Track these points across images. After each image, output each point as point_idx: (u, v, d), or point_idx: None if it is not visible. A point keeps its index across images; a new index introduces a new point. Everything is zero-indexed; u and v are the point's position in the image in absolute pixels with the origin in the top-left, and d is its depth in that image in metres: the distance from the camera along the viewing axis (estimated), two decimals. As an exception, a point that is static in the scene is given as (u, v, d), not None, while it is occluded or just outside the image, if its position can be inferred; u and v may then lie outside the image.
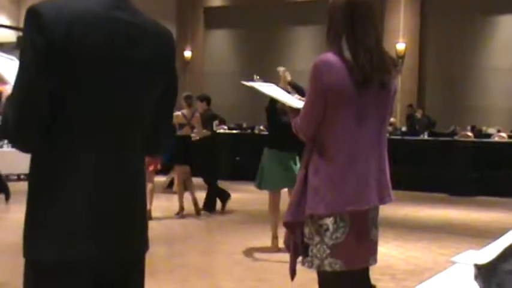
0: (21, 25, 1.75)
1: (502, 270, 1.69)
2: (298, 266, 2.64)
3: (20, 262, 1.66)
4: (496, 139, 13.30)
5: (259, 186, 6.31)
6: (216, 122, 9.00)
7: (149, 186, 7.63)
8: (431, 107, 17.63)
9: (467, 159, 11.69)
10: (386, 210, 6.22)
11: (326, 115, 2.45)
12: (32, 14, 1.55)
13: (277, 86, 3.12)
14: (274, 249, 6.16)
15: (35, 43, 1.53)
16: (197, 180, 8.98)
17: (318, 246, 2.49)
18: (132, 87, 1.67)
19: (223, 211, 8.94)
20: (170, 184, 10.75)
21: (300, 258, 2.61)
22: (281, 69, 6.00)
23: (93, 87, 1.60)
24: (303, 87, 4.99)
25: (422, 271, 5.51)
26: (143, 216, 1.77)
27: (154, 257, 5.83)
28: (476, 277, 1.84)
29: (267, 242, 6.37)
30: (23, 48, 1.56)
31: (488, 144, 12.68)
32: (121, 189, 1.67)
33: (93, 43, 1.58)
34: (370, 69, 2.44)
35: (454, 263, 2.33)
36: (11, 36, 18.30)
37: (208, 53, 21.62)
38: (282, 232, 6.01)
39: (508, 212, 9.57)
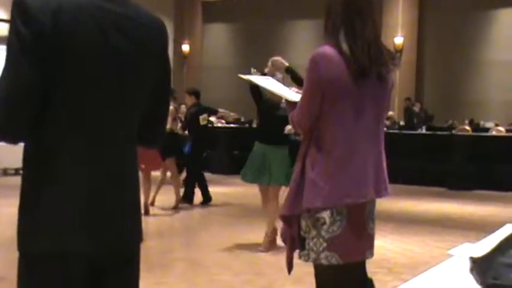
0: None
1: (498, 263, 1.70)
2: (295, 260, 2.64)
3: (16, 256, 1.66)
4: (494, 133, 13.32)
5: (241, 176, 6.28)
6: (203, 116, 8.88)
7: (146, 183, 7.69)
8: (429, 101, 17.65)
9: (464, 153, 11.70)
10: (384, 204, 6.23)
11: (323, 108, 2.45)
12: (18, 6, 1.53)
13: (269, 74, 3.10)
14: (266, 244, 6.12)
15: (22, 35, 1.52)
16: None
17: (315, 239, 2.49)
18: (123, 78, 1.65)
19: (191, 204, 8.96)
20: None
21: (296, 252, 2.61)
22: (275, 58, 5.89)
23: (83, 78, 1.59)
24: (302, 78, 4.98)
25: (419, 264, 5.53)
26: (136, 209, 1.77)
27: (151, 251, 5.84)
28: (471, 270, 1.85)
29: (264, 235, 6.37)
30: (9, 40, 1.55)
31: (486, 138, 12.70)
32: (113, 184, 1.66)
33: (81, 34, 1.57)
34: (368, 62, 2.43)
35: (450, 256, 2.33)
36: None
37: (206, 47, 21.59)
38: (270, 226, 6.02)
39: (504, 206, 9.60)
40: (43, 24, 1.52)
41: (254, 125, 15.15)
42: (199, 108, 8.96)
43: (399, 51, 17.19)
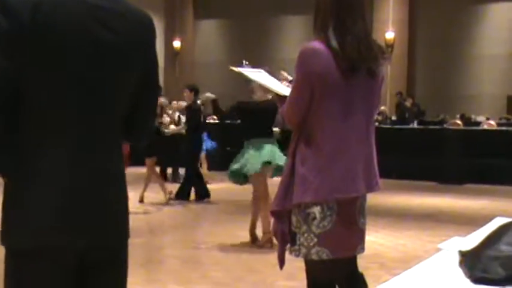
0: None
1: (486, 256, 1.71)
2: (287, 255, 2.64)
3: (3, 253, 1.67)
4: (485, 127, 13.37)
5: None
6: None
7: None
8: (421, 96, 17.69)
9: (456, 148, 11.74)
10: (376, 199, 6.23)
11: (313, 104, 2.45)
12: None
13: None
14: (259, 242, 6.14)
15: (0, 27, 1.52)
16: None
17: (305, 235, 2.49)
18: (107, 72, 1.64)
19: (188, 199, 8.99)
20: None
21: (287, 247, 2.61)
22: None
23: (63, 74, 1.58)
24: None
25: (412, 259, 5.54)
26: (120, 205, 1.75)
27: (144, 248, 5.83)
28: (460, 263, 1.85)
29: (256, 232, 6.37)
30: None
31: (477, 132, 12.75)
32: (95, 181, 1.66)
33: (61, 27, 1.56)
34: (357, 57, 2.43)
35: (440, 249, 2.34)
36: None
37: (197, 43, 21.55)
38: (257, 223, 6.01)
39: (497, 200, 9.64)
40: (22, 17, 1.52)
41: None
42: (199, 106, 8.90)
43: (390, 46, 17.21)
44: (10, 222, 1.63)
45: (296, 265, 2.85)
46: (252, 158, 5.93)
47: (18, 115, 1.60)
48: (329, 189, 2.44)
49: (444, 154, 11.73)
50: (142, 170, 9.10)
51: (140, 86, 1.75)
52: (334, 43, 2.43)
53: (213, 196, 9.30)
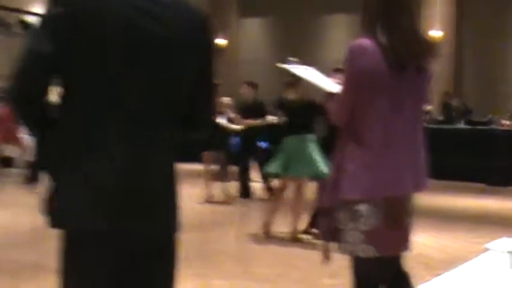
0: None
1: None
2: (331, 253, 2.64)
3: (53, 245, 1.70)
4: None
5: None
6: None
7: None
8: (468, 95, 17.30)
9: (504, 148, 11.46)
10: (422, 200, 6.12)
11: (361, 101, 2.44)
12: None
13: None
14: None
15: (50, 14, 1.60)
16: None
17: (352, 232, 2.49)
18: (156, 66, 1.66)
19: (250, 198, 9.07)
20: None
21: (333, 244, 2.61)
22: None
23: (112, 63, 1.61)
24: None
25: (456, 260, 5.43)
26: (168, 197, 1.76)
27: (188, 243, 5.89)
28: None
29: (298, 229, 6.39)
30: (41, 19, 1.63)
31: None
32: (147, 177, 1.67)
33: (111, 19, 1.59)
34: (406, 53, 2.41)
35: (487, 249, 2.30)
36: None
37: (242, 41, 21.61)
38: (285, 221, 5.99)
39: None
40: (72, 6, 1.58)
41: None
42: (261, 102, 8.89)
43: (437, 43, 16.87)
44: (59, 204, 1.65)
45: (340, 263, 2.85)
46: (293, 161, 6.01)
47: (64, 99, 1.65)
48: (377, 187, 2.43)
49: (492, 155, 11.46)
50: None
51: (197, 78, 1.76)
52: (382, 39, 2.41)
53: (256, 193, 9.34)
